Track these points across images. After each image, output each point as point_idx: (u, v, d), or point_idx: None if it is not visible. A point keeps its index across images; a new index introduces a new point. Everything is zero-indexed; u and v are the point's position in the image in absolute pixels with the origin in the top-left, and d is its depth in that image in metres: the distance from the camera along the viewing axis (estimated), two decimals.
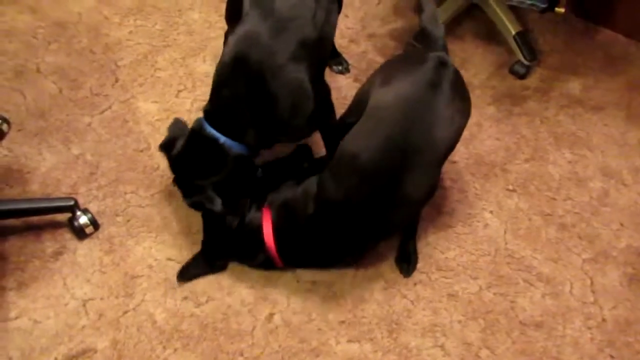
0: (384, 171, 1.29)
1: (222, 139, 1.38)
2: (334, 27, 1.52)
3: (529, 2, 1.80)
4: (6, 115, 1.74)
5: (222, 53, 1.40)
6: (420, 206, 1.47)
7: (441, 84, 1.31)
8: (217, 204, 1.37)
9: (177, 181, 1.44)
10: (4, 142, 1.70)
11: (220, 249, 1.47)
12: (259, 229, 1.41)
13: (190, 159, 1.41)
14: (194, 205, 1.42)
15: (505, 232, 1.69)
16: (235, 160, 1.39)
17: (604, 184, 1.84)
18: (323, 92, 1.48)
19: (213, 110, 1.40)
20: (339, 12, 1.58)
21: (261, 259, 1.45)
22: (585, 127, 1.97)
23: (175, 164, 1.42)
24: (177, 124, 1.48)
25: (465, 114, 1.41)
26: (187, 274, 1.48)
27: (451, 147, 1.41)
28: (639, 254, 1.70)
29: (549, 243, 1.69)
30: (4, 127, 1.71)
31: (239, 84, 1.35)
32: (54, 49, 1.93)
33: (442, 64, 1.34)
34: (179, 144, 1.41)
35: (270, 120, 1.38)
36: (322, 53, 1.46)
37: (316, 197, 1.36)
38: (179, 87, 1.85)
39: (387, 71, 1.44)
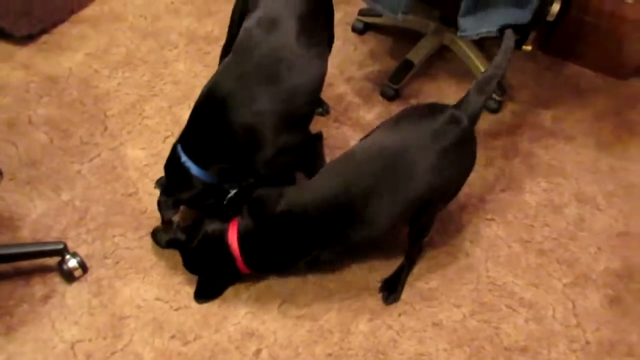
0: (358, 188, 1.37)
1: (188, 163, 1.49)
2: (313, 80, 1.52)
3: (484, 30, 1.86)
4: None
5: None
6: (382, 234, 1.49)
7: (444, 135, 1.37)
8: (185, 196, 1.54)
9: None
10: None
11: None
12: (223, 233, 1.47)
13: (167, 175, 1.58)
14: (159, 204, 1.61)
15: (486, 260, 1.73)
16: (201, 185, 1.50)
17: (579, 209, 1.90)
18: (290, 142, 1.50)
19: (185, 137, 1.53)
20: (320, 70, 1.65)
21: (226, 268, 1.50)
22: (558, 156, 2.04)
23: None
24: None
25: (459, 172, 1.47)
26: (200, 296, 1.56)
27: (436, 197, 1.45)
28: (617, 276, 1.74)
29: (529, 269, 1.73)
30: None
31: (206, 116, 1.47)
32: (46, 101, 2.01)
33: (454, 121, 1.39)
34: None
35: (231, 156, 1.47)
36: (293, 103, 1.47)
37: (290, 198, 1.43)
38: (165, 133, 1.92)
39: (402, 115, 1.51)
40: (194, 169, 1.48)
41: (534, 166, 2.00)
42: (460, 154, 1.41)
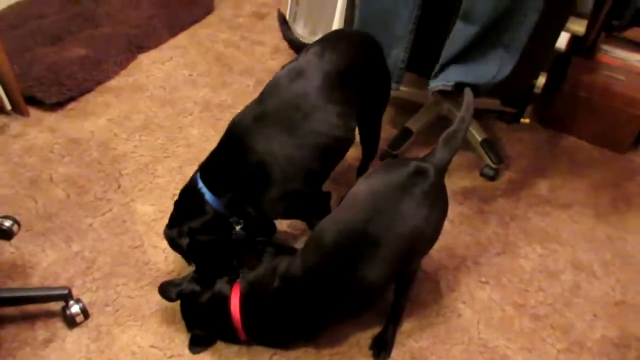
0: (341, 254, 1.39)
1: (204, 189, 1.58)
2: (326, 135, 1.54)
3: (439, 84, 1.91)
4: (18, 218, 1.91)
5: None
6: (379, 293, 1.53)
7: (411, 190, 1.38)
8: (183, 243, 1.58)
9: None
10: (13, 241, 1.86)
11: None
12: (226, 300, 1.51)
13: (180, 201, 1.66)
14: (167, 237, 1.65)
15: (478, 322, 1.75)
16: (212, 211, 1.58)
17: (575, 276, 1.91)
18: (298, 191, 1.57)
19: (204, 165, 1.63)
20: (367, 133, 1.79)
21: (226, 330, 1.52)
22: (554, 223, 2.09)
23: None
24: None
25: (433, 223, 1.46)
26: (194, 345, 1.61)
27: (415, 249, 1.46)
28: (614, 345, 1.73)
29: (522, 333, 1.73)
30: (14, 227, 1.88)
31: (226, 149, 1.59)
32: (67, 161, 2.17)
33: (420, 173, 1.40)
34: None
35: (242, 188, 1.55)
36: (304, 153, 1.53)
37: (283, 273, 1.47)
38: (174, 191, 2.04)
39: (373, 171, 1.57)
40: (207, 195, 1.57)
41: (529, 232, 2.05)
42: (430, 205, 1.40)
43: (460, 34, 1.80)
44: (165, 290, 1.59)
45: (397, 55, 1.94)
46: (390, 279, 1.48)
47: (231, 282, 1.56)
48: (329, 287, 1.42)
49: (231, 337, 1.57)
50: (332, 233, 1.41)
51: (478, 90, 1.84)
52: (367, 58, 1.73)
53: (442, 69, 1.90)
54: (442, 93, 1.98)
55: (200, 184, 1.59)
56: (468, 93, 1.55)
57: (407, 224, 1.38)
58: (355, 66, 1.64)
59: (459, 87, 1.82)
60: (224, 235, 1.64)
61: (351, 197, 1.46)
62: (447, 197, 1.51)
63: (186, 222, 1.60)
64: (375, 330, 1.68)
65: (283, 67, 1.64)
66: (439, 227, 1.49)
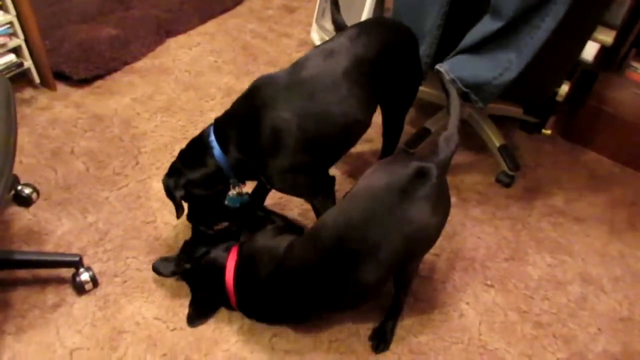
0: (338, 255, 1.38)
1: (214, 143, 1.57)
2: (344, 115, 1.55)
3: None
4: (37, 187, 1.97)
5: None
6: (374, 292, 1.51)
7: (412, 194, 1.36)
8: (178, 194, 1.60)
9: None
10: (31, 208, 1.91)
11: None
12: (222, 269, 1.53)
13: (186, 150, 1.65)
14: (163, 185, 1.65)
15: (480, 324, 1.74)
16: (214, 166, 1.58)
17: (583, 289, 1.90)
18: (306, 165, 1.57)
19: (220, 120, 1.63)
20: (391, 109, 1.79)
21: (219, 295, 1.56)
22: (567, 235, 2.07)
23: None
24: None
25: (434, 226, 1.43)
26: (192, 319, 1.63)
27: (414, 251, 1.46)
28: None
29: (523, 339, 1.73)
30: (34, 195, 1.94)
31: (245, 107, 1.58)
32: (89, 136, 2.22)
33: (421, 174, 1.37)
34: None
35: (252, 152, 1.55)
36: (320, 129, 1.53)
37: (280, 259, 1.48)
38: None
39: (375, 168, 1.59)
40: (216, 150, 1.56)
41: (540, 241, 2.03)
42: (431, 207, 1.38)
43: (483, 26, 1.79)
44: (159, 267, 1.65)
45: (424, 50, 1.95)
46: (387, 280, 1.48)
47: (229, 248, 1.58)
48: (323, 285, 1.42)
49: (227, 303, 1.59)
50: (331, 232, 1.39)
51: (482, 90, 1.84)
52: (401, 49, 1.74)
53: (453, 55, 1.90)
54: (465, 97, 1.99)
55: (212, 137, 1.58)
56: (451, 88, 1.54)
57: (407, 228, 1.36)
58: (387, 55, 1.65)
59: (454, 83, 1.83)
60: (219, 195, 1.64)
61: (353, 197, 1.44)
62: (448, 195, 1.50)
63: (186, 173, 1.59)
64: (376, 321, 1.69)
65: (317, 46, 1.66)
66: (440, 228, 1.47)
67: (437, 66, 1.89)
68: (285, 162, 1.54)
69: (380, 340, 1.63)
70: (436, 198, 1.39)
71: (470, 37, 1.82)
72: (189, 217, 1.75)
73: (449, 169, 1.47)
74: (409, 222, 1.36)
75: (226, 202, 1.70)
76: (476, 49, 1.82)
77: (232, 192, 1.66)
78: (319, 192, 1.69)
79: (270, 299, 1.51)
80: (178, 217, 1.66)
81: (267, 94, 1.54)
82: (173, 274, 1.66)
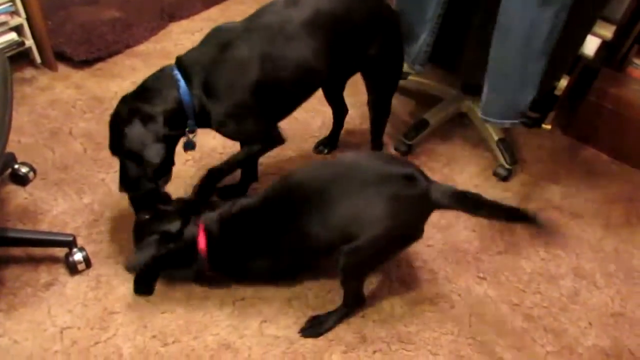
0: (296, 201, 1.44)
1: (178, 76, 1.51)
2: (298, 63, 1.57)
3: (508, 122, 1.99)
4: (35, 166, 1.98)
5: None
6: (321, 251, 1.52)
7: (390, 187, 1.39)
8: (133, 130, 1.49)
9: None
10: (28, 187, 1.92)
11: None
12: (194, 240, 1.53)
13: (148, 80, 1.57)
14: (114, 112, 1.57)
15: (470, 316, 1.75)
16: (177, 106, 1.51)
17: (575, 283, 1.90)
18: (253, 110, 1.57)
19: (181, 58, 1.58)
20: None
21: (195, 269, 1.57)
22: (562, 230, 2.07)
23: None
24: None
25: (381, 226, 1.40)
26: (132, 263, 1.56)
27: (350, 234, 1.42)
28: (605, 354, 1.71)
29: (513, 331, 1.73)
30: (30, 175, 1.95)
31: (209, 47, 1.56)
32: (88, 117, 2.22)
33: (411, 180, 1.41)
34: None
35: (211, 87, 1.53)
36: (275, 74, 1.55)
37: (241, 203, 1.54)
38: (187, 157, 2.08)
39: (377, 154, 1.59)
40: (182, 84, 1.51)
41: (535, 235, 2.03)
42: (401, 208, 1.39)
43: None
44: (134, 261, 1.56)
45: (424, 38, 1.96)
46: (324, 249, 1.48)
47: (196, 223, 1.56)
48: (278, 224, 1.47)
49: (201, 276, 1.63)
50: (297, 179, 1.47)
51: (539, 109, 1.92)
52: (371, 15, 1.72)
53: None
54: (466, 90, 2.00)
55: (176, 72, 1.53)
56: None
57: (363, 208, 1.38)
58: (352, 16, 1.66)
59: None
60: (175, 136, 1.57)
61: (335, 160, 1.50)
62: (416, 221, 1.49)
63: (146, 105, 1.49)
64: (367, 311, 1.69)
65: None
66: (386, 235, 1.42)
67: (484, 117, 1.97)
68: (240, 100, 1.54)
69: (313, 326, 1.63)
70: (406, 208, 1.41)
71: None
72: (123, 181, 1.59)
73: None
74: (368, 206, 1.38)
75: (183, 146, 1.63)
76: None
77: (190, 137, 1.61)
78: (261, 141, 1.70)
79: (236, 241, 1.53)
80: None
81: (228, 36, 1.56)
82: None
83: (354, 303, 1.65)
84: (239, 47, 1.53)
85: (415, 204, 1.43)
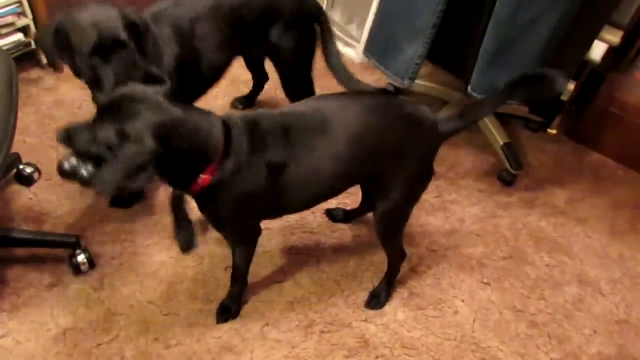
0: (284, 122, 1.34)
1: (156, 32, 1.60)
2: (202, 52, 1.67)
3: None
4: (40, 167, 1.98)
5: None
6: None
7: (392, 122, 1.35)
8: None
9: None
10: (33, 187, 1.93)
11: None
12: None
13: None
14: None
15: (474, 321, 1.74)
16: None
17: (580, 290, 1.88)
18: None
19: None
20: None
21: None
22: (567, 236, 2.06)
23: None
24: None
25: (348, 160, 1.33)
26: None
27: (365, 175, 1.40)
28: None
29: (517, 338, 1.72)
30: (35, 175, 1.95)
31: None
32: None
33: (419, 124, 1.39)
34: None
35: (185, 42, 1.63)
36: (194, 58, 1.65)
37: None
38: None
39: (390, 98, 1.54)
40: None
41: (540, 240, 2.02)
42: (406, 139, 1.36)
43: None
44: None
45: (415, 50, 1.87)
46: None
47: None
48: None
49: None
50: (290, 109, 1.40)
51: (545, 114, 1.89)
52: (268, 7, 1.74)
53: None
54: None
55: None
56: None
57: (346, 135, 1.31)
58: (253, 7, 1.70)
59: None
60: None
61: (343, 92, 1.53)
62: (422, 161, 1.46)
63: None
64: (368, 313, 1.69)
65: None
66: (350, 170, 1.36)
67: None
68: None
69: (375, 297, 1.70)
70: (422, 145, 1.39)
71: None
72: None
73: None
74: (359, 133, 1.31)
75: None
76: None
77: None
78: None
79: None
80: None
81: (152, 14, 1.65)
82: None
83: (399, 260, 1.67)
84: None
85: (428, 140, 1.41)
